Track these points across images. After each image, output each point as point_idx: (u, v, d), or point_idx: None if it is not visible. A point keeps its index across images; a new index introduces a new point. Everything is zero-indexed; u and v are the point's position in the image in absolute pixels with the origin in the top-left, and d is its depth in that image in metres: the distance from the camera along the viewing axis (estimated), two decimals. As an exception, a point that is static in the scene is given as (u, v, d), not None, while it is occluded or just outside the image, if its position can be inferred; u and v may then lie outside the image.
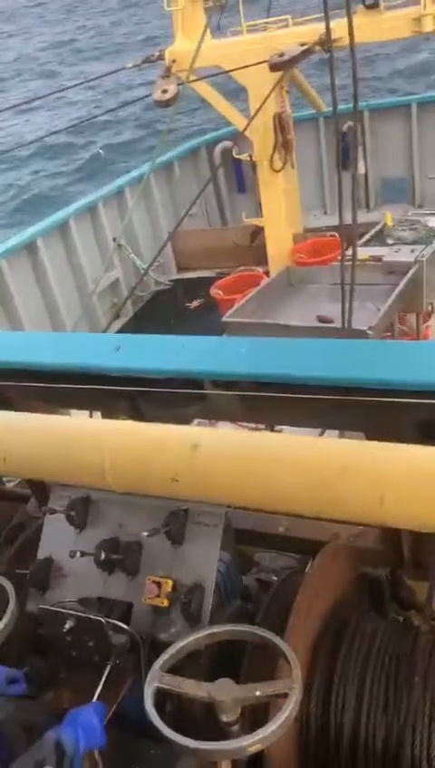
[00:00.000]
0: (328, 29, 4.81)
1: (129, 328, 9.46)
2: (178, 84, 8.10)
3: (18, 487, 3.62)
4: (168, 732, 1.90)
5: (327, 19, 4.81)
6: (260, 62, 7.64)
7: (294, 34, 7.86)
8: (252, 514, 2.84)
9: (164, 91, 8.07)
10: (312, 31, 7.63)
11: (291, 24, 8.10)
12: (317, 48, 7.45)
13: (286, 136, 8.41)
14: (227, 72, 8.09)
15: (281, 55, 7.52)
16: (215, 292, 8.86)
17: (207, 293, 9.11)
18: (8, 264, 8.35)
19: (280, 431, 3.77)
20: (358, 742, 2.22)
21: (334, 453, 2.27)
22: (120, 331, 9.22)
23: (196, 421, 3.50)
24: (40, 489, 3.10)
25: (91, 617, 2.34)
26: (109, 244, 9.90)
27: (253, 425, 4.30)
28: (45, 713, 2.01)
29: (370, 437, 2.43)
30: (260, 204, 9.27)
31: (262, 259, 9.33)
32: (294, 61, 7.59)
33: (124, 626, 2.35)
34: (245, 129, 8.00)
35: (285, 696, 1.98)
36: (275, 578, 2.93)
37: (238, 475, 2.32)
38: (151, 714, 1.94)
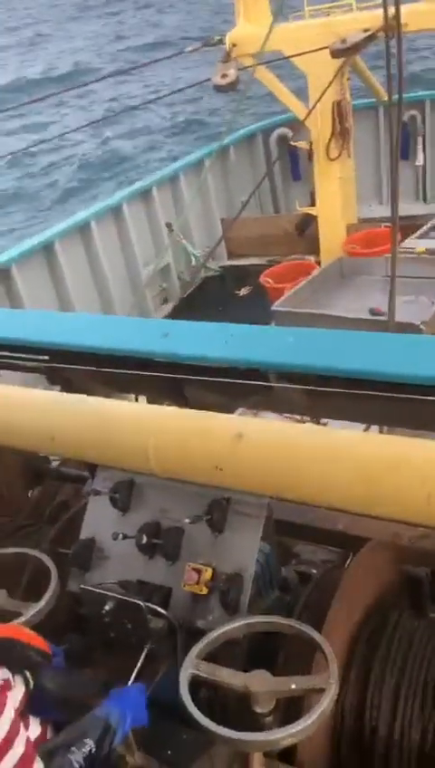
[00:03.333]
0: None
1: (176, 313, 9.48)
2: (239, 69, 8.02)
3: (60, 467, 3.66)
4: (203, 720, 1.91)
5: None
6: (321, 48, 7.50)
7: (358, 20, 7.69)
8: (303, 508, 2.81)
9: (224, 76, 8.00)
10: (376, 16, 7.45)
11: (355, 9, 7.93)
12: (380, 34, 7.28)
13: (344, 124, 8.25)
14: (288, 57, 7.97)
15: (343, 41, 7.38)
16: (264, 280, 8.79)
17: (256, 281, 9.06)
18: (61, 247, 8.44)
19: (325, 424, 3.73)
20: (392, 740, 2.20)
21: (382, 448, 2.23)
22: (167, 317, 9.25)
23: (239, 410, 3.48)
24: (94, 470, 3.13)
25: (131, 600, 2.36)
26: (161, 228, 9.91)
27: (297, 416, 4.27)
28: (95, 683, 2.04)
29: None
30: (314, 192, 9.15)
31: (314, 248, 9.21)
32: (355, 48, 7.42)
33: (162, 611, 2.37)
34: (305, 117, 7.88)
35: (321, 691, 1.97)
36: (315, 571, 2.91)
37: (282, 466, 2.30)
38: (187, 700, 1.95)
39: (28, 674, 1.86)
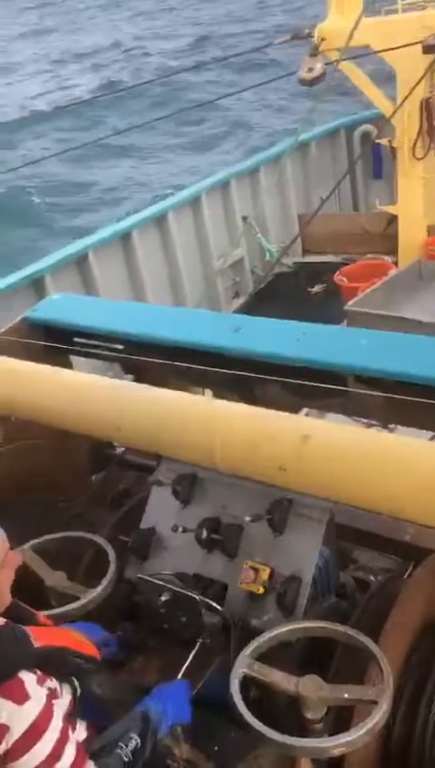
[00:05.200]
0: None
1: (247, 308, 9.45)
2: (326, 64, 7.89)
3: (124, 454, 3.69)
4: (254, 722, 1.90)
5: None
6: (412, 44, 7.30)
7: (453, 15, 7.46)
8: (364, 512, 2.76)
9: (310, 70, 7.89)
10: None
11: (453, 4, 7.69)
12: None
13: (433, 122, 8.04)
14: (377, 52, 7.80)
15: (437, 37, 7.17)
16: (339, 278, 8.66)
17: (330, 279, 8.93)
18: (138, 235, 8.52)
19: (393, 429, 3.65)
20: None
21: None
22: (238, 311, 9.23)
23: (304, 410, 3.44)
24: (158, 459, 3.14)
25: (187, 593, 2.36)
26: (237, 221, 9.88)
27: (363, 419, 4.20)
28: (134, 688, 2.06)
29: None
30: (395, 191, 8.95)
31: (392, 249, 9.02)
32: (449, 43, 7.21)
33: (218, 606, 2.36)
34: (392, 115, 7.70)
35: (374, 703, 1.93)
36: (373, 578, 2.86)
37: (348, 472, 2.26)
38: (237, 700, 1.94)
39: (75, 681, 1.92)
